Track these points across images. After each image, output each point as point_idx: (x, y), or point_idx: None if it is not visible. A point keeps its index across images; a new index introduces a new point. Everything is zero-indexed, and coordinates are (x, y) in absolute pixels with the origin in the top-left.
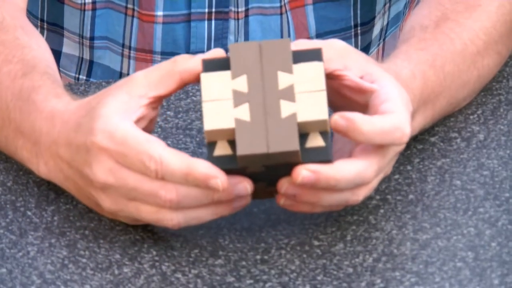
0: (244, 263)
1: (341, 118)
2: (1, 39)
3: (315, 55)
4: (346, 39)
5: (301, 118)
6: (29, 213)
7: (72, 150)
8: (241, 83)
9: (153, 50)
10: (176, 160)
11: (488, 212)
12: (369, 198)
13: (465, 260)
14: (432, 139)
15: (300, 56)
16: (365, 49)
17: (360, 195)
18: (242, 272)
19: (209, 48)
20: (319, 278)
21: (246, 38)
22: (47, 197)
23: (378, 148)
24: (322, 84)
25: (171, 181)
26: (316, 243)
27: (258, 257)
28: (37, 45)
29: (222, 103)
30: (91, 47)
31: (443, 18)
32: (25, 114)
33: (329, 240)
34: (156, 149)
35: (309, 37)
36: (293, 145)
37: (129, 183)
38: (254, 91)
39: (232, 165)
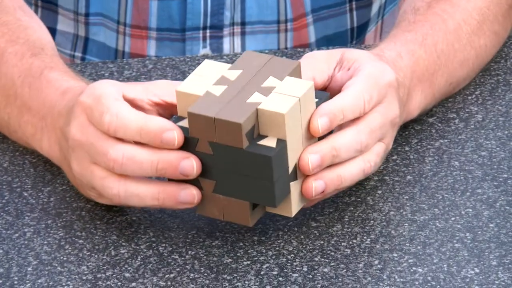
0: (241, 244)
1: (322, 118)
2: (3, 20)
3: (321, 95)
4: (341, 14)
5: (262, 106)
6: (25, 194)
7: (67, 114)
8: (233, 74)
9: (148, 26)
10: (132, 115)
11: (486, 193)
12: (366, 178)
13: (463, 241)
14: (430, 119)
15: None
16: (363, 27)
17: (370, 160)
18: (239, 253)
19: (205, 24)
20: (316, 259)
21: (243, 14)
22: (43, 178)
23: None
24: (299, 93)
25: (124, 138)
26: (313, 224)
27: (255, 238)
28: (38, 26)
29: (205, 79)
30: (86, 24)
31: None
32: (35, 90)
33: (326, 221)
34: (117, 105)
35: (305, 13)
36: (239, 119)
37: (90, 139)
38: (239, 81)
39: (185, 134)
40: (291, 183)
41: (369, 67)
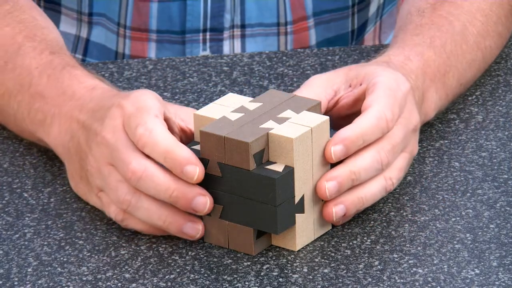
0: None
1: (336, 146)
2: (20, 18)
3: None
4: (343, 18)
5: (273, 131)
6: (25, 194)
7: (94, 112)
8: (253, 105)
9: (148, 28)
10: (164, 136)
11: (486, 193)
12: None
13: (463, 242)
14: (431, 120)
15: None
16: (361, 28)
17: (392, 177)
18: (239, 254)
19: (205, 27)
20: (316, 260)
21: (243, 17)
22: (43, 178)
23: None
24: (312, 124)
25: (150, 155)
26: None
27: None
28: (53, 27)
29: (225, 108)
30: (90, 23)
31: (440, 1)
32: (55, 80)
33: None
34: (154, 122)
35: (306, 16)
36: (248, 139)
37: (118, 143)
38: (256, 111)
39: (197, 155)
40: (297, 215)
41: (383, 80)
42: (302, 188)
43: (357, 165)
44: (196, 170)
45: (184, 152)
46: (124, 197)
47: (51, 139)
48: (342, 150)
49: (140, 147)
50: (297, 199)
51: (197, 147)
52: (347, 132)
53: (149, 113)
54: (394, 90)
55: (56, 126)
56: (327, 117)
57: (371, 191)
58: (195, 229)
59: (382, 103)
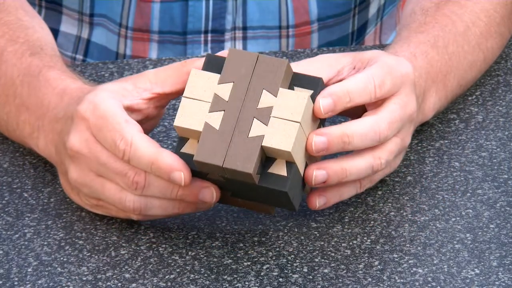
0: (241, 245)
1: (324, 99)
2: (4, 20)
3: (313, 83)
4: (346, 20)
5: (266, 143)
6: (25, 194)
7: (65, 120)
8: (225, 90)
9: (150, 29)
10: (146, 146)
11: (486, 193)
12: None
13: (463, 242)
14: (431, 120)
15: (299, 80)
16: (361, 29)
17: (381, 157)
18: (239, 254)
19: (206, 28)
20: (316, 260)
21: (244, 18)
22: (43, 178)
23: (383, 106)
24: (299, 116)
25: (136, 166)
26: (313, 225)
27: (256, 239)
28: (39, 27)
29: (199, 104)
30: (91, 24)
31: (444, 0)
32: (34, 89)
33: (326, 222)
34: (130, 131)
35: (309, 21)
36: (248, 167)
37: (101, 158)
38: (233, 101)
39: (192, 166)
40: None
41: (384, 58)
42: (303, 163)
43: (352, 128)
44: (181, 176)
45: (166, 160)
46: (133, 206)
47: (40, 151)
48: (330, 104)
49: (126, 160)
50: (301, 170)
51: (187, 148)
52: (333, 87)
53: (118, 121)
54: (391, 66)
55: (42, 139)
56: (307, 95)
57: (356, 165)
58: (208, 205)
59: (372, 70)
